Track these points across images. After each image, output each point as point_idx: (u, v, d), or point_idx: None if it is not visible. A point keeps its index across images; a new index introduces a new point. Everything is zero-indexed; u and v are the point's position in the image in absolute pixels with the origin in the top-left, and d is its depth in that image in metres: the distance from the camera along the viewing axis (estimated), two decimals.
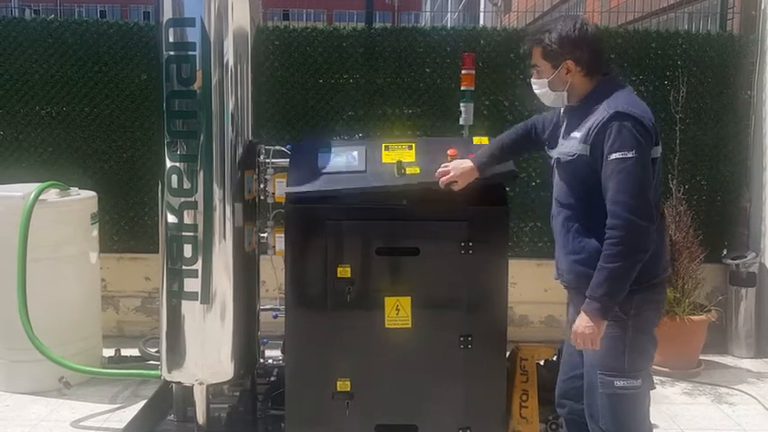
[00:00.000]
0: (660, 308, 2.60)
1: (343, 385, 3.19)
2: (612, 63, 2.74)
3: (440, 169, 3.03)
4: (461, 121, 3.74)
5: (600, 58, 2.61)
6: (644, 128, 2.37)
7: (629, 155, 2.33)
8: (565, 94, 2.61)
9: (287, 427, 3.27)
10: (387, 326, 3.16)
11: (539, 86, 2.66)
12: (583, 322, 2.44)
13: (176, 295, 3.34)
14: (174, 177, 3.29)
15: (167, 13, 3.25)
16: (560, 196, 2.65)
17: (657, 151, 2.45)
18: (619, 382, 2.49)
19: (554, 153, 2.69)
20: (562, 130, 2.68)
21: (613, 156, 2.36)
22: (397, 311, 3.17)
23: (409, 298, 3.15)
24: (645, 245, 2.36)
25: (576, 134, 2.53)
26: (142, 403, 3.75)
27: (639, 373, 2.51)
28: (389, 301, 3.16)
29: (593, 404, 2.60)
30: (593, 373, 2.56)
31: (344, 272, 3.16)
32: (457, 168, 2.99)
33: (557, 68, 2.57)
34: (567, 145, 2.58)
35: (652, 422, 3.87)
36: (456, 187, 3.01)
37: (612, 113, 2.40)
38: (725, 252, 5.11)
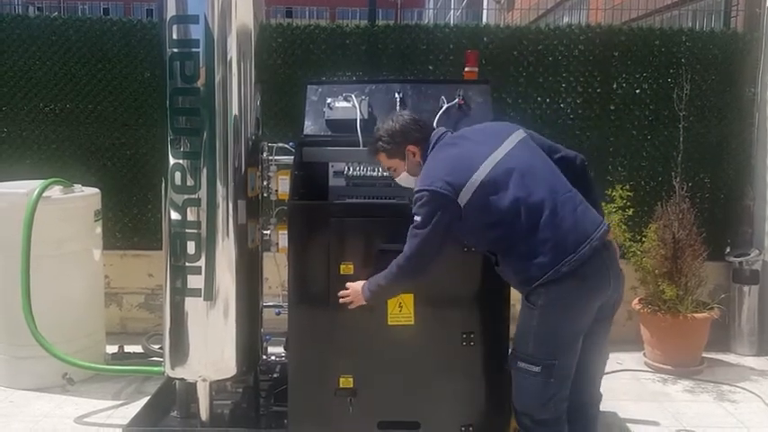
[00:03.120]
0: (568, 306, 2.67)
1: (346, 382, 3.19)
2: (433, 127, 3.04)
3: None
4: None
5: (422, 129, 2.96)
6: (430, 196, 2.71)
7: (416, 219, 2.76)
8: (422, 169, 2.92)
9: (290, 424, 3.28)
10: (389, 323, 3.17)
11: (404, 180, 3.02)
12: (354, 286, 2.99)
13: (180, 292, 3.35)
14: (178, 174, 3.30)
15: (171, 11, 3.25)
16: None
17: (465, 195, 2.69)
18: (521, 363, 2.73)
19: None
20: None
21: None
22: (400, 308, 3.17)
23: (412, 295, 3.15)
24: (404, 280, 2.88)
25: None
26: (145, 400, 3.77)
27: (540, 361, 2.68)
28: (392, 299, 3.16)
29: None
30: (510, 352, 2.84)
31: (347, 269, 3.16)
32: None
33: (404, 158, 2.97)
34: None
35: (654, 419, 3.90)
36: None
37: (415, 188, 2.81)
38: (728, 250, 5.10)
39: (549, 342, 2.68)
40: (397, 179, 3.06)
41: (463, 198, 2.69)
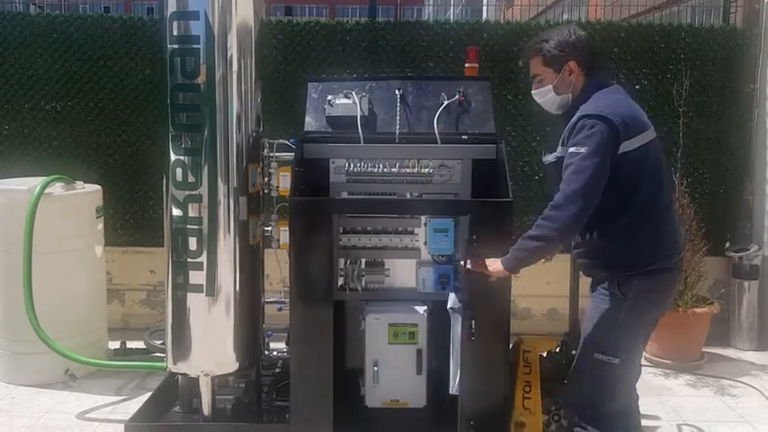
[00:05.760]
0: (662, 298, 2.67)
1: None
2: (608, 61, 2.62)
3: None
4: None
5: (596, 57, 2.79)
6: (604, 126, 2.49)
7: (582, 150, 2.49)
8: (569, 95, 2.75)
9: (291, 419, 3.30)
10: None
11: (542, 94, 2.80)
12: (490, 262, 2.72)
13: (182, 288, 3.36)
14: (179, 171, 3.30)
15: (171, 6, 3.25)
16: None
17: (630, 144, 2.52)
18: (599, 356, 2.61)
19: (546, 158, 2.84)
20: None
21: (571, 149, 2.54)
22: None
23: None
24: (568, 230, 2.53)
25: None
26: (148, 395, 3.78)
27: (621, 353, 2.60)
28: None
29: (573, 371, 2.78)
30: (583, 344, 2.71)
31: None
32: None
33: (560, 72, 2.73)
34: (555, 149, 2.75)
35: (655, 413, 3.91)
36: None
37: (579, 116, 2.58)
38: (728, 245, 5.12)
39: (635, 333, 2.64)
40: (534, 91, 2.83)
41: (628, 146, 2.51)
